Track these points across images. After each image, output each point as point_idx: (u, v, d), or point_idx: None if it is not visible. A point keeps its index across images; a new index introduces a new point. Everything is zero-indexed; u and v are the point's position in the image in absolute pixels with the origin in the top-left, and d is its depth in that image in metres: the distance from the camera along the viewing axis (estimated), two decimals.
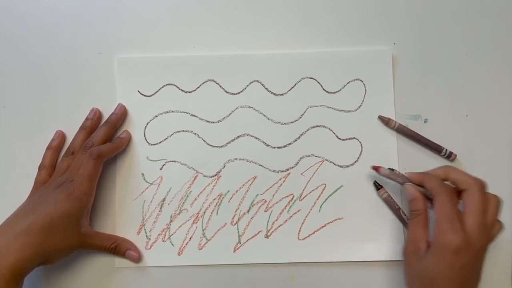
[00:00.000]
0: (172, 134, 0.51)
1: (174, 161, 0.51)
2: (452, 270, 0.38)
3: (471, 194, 0.41)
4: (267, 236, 0.49)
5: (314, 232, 0.49)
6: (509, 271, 0.49)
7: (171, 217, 0.50)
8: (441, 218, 0.40)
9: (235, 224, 0.50)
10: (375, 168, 0.48)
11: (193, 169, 0.51)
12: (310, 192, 0.50)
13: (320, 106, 0.51)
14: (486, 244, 0.40)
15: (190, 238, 0.50)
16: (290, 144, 0.51)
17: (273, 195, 0.50)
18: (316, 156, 0.50)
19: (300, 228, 0.49)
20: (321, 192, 0.50)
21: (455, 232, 0.39)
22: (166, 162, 0.51)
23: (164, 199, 0.50)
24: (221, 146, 0.51)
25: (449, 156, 0.50)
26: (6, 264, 0.39)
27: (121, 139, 0.50)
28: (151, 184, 0.50)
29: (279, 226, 0.50)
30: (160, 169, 0.51)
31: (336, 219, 0.49)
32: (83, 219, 0.45)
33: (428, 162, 0.50)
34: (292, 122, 0.51)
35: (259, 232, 0.50)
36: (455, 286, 0.39)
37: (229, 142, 0.51)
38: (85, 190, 0.44)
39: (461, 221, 0.39)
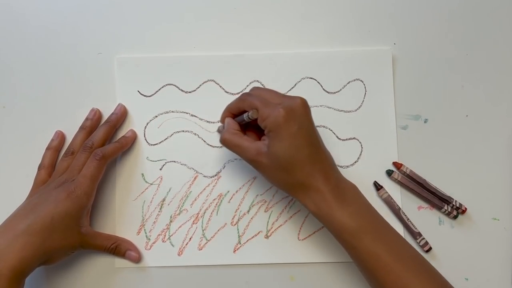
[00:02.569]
0: (172, 134, 0.51)
1: (174, 161, 0.51)
2: (294, 139, 0.40)
3: (255, 98, 0.43)
4: (267, 237, 0.49)
5: (314, 233, 0.49)
6: (509, 271, 0.49)
7: (171, 217, 0.50)
8: (260, 111, 0.42)
9: (235, 224, 0.50)
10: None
11: (193, 169, 0.51)
12: None
13: (320, 106, 0.51)
14: (300, 103, 0.41)
15: (190, 239, 0.49)
16: None
17: (273, 195, 0.50)
18: None
19: (300, 228, 0.49)
20: None
21: (275, 108, 0.41)
22: (166, 163, 0.51)
23: (164, 200, 0.50)
24: (221, 146, 0.51)
25: (458, 208, 0.49)
26: (8, 265, 0.39)
27: (125, 138, 0.50)
28: (151, 184, 0.50)
29: (279, 227, 0.50)
30: (160, 169, 0.51)
31: None
32: (83, 219, 0.45)
33: (429, 162, 0.50)
34: None
35: (259, 232, 0.50)
36: (306, 149, 0.41)
37: None
38: (86, 190, 0.44)
39: (271, 103, 0.42)
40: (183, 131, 0.51)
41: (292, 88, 0.51)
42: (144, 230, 0.50)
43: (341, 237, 0.41)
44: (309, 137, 0.42)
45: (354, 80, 0.52)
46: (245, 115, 0.43)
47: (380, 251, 0.40)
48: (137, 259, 0.48)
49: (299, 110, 0.41)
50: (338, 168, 0.50)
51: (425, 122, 0.51)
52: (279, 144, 0.41)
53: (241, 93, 0.46)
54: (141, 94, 0.52)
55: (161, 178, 0.50)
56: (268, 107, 0.41)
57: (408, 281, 0.39)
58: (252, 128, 0.46)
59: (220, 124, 0.49)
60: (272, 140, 0.41)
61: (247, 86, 0.52)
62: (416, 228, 0.49)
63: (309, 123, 0.42)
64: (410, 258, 0.41)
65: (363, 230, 0.40)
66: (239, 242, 0.49)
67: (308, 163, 0.41)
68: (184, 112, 0.51)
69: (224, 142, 0.44)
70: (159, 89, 0.52)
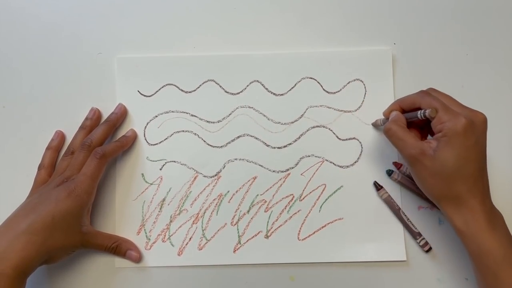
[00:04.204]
0: (172, 134, 0.51)
1: (174, 161, 0.51)
2: (467, 151, 0.40)
3: (435, 99, 0.42)
4: (267, 237, 0.49)
5: (314, 233, 0.49)
6: None
7: (171, 217, 0.50)
8: (440, 112, 0.41)
9: (235, 224, 0.50)
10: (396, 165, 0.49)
11: (193, 169, 0.51)
12: (310, 193, 0.50)
13: (320, 106, 0.51)
14: (482, 120, 0.41)
15: (190, 239, 0.50)
16: (290, 144, 0.51)
17: (273, 195, 0.50)
18: (316, 156, 0.50)
19: (300, 228, 0.49)
20: (321, 193, 0.50)
21: (457, 116, 0.40)
22: (166, 162, 0.51)
23: (164, 199, 0.50)
24: (221, 146, 0.51)
25: None
26: (10, 264, 0.40)
27: (126, 137, 0.50)
28: (151, 184, 0.50)
29: (279, 227, 0.50)
30: (160, 169, 0.51)
31: (336, 220, 0.49)
32: (84, 218, 0.45)
33: None
34: (292, 122, 0.51)
35: (259, 232, 0.50)
36: (474, 165, 0.40)
37: (229, 142, 0.51)
38: (86, 189, 0.44)
39: (453, 109, 0.41)
40: (183, 131, 0.51)
41: (292, 88, 0.51)
42: (144, 230, 0.50)
43: (483, 262, 0.40)
44: (481, 155, 0.41)
45: (354, 80, 0.52)
46: (419, 113, 0.43)
47: None
48: (138, 259, 0.48)
49: (480, 126, 0.41)
50: (338, 168, 0.50)
51: None
52: (451, 152, 0.40)
53: (419, 91, 0.45)
54: (141, 94, 0.52)
55: (161, 178, 0.50)
56: (449, 112, 0.41)
57: None
58: (412, 129, 0.45)
59: (380, 118, 0.49)
60: (444, 146, 0.40)
61: (247, 86, 0.52)
62: (416, 228, 0.49)
63: (484, 141, 0.41)
64: None
65: (508, 259, 0.39)
66: (239, 242, 0.49)
67: (472, 179, 0.40)
68: (184, 112, 0.51)
69: (389, 131, 0.44)
70: (159, 89, 0.52)
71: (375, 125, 0.50)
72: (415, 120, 0.44)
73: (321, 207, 0.50)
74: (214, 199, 0.50)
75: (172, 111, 0.51)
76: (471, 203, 0.40)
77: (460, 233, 0.41)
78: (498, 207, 0.43)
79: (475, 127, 0.40)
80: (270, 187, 0.50)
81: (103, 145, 0.48)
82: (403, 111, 0.46)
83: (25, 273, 0.41)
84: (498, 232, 0.40)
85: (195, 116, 0.51)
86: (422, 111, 0.42)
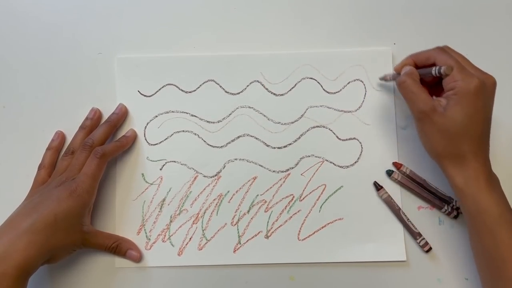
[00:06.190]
0: (172, 134, 0.51)
1: (174, 161, 0.51)
2: (477, 112, 0.41)
3: (451, 57, 0.43)
4: (267, 237, 0.50)
5: (314, 233, 0.49)
6: None
7: (171, 217, 0.50)
8: (454, 71, 0.42)
9: (235, 224, 0.50)
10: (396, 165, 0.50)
11: (193, 169, 0.51)
12: (310, 193, 0.50)
13: (320, 106, 0.51)
14: (492, 82, 0.42)
15: (190, 239, 0.50)
16: (290, 144, 0.51)
17: (273, 196, 0.50)
18: (316, 157, 0.50)
19: (300, 228, 0.49)
20: (321, 193, 0.50)
21: (470, 76, 0.41)
22: (166, 162, 0.51)
23: (164, 199, 0.50)
24: (221, 146, 0.51)
25: (458, 208, 0.49)
26: (13, 263, 0.39)
27: (126, 137, 0.50)
28: (151, 184, 0.50)
29: (279, 227, 0.50)
30: (160, 169, 0.51)
31: (336, 220, 0.49)
32: (85, 217, 0.45)
33: (429, 162, 0.50)
34: (292, 122, 0.51)
35: (259, 232, 0.50)
36: (481, 126, 0.41)
37: (229, 142, 0.51)
38: (87, 188, 0.44)
39: (467, 69, 0.42)
40: (183, 131, 0.51)
41: (292, 88, 0.51)
42: (144, 230, 0.50)
43: (481, 221, 0.41)
44: (488, 117, 0.42)
45: (354, 80, 0.52)
46: (434, 69, 0.43)
47: None
48: (138, 258, 0.48)
49: (490, 88, 0.42)
50: (338, 168, 0.50)
51: None
52: (461, 110, 0.41)
53: (436, 46, 0.45)
54: (141, 94, 0.52)
55: (161, 178, 0.50)
56: (463, 71, 0.41)
57: None
58: (423, 85, 0.45)
59: (390, 72, 0.49)
60: (454, 104, 0.41)
61: (247, 86, 0.51)
62: (416, 228, 0.49)
63: (492, 105, 0.43)
64: None
65: (505, 218, 0.40)
66: (239, 242, 0.49)
67: (477, 140, 0.41)
68: (184, 112, 0.51)
69: (403, 84, 0.44)
70: (159, 89, 0.52)
71: (384, 79, 0.50)
72: (426, 78, 0.44)
73: (321, 207, 0.50)
74: (214, 199, 0.50)
75: (172, 111, 0.51)
76: (474, 163, 0.41)
77: (459, 191, 0.42)
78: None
79: (486, 89, 0.41)
80: (270, 187, 0.50)
81: (103, 145, 0.48)
82: (417, 67, 0.46)
83: (27, 272, 0.41)
84: (495, 193, 0.41)
85: (195, 116, 0.51)
86: (437, 67, 0.43)
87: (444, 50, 0.44)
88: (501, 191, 0.42)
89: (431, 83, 0.45)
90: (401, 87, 0.44)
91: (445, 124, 0.41)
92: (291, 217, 0.50)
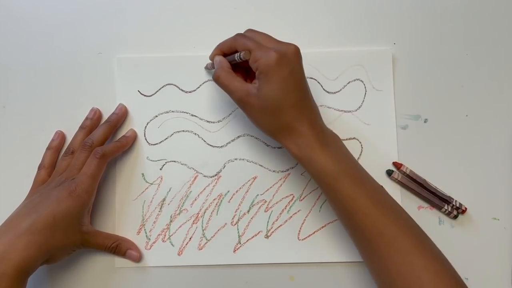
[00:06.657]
0: (172, 134, 0.51)
1: (174, 161, 0.51)
2: (285, 83, 0.41)
3: (249, 39, 0.44)
4: (267, 236, 0.50)
5: (314, 233, 0.49)
6: (509, 271, 0.49)
7: (171, 217, 0.50)
8: (253, 52, 0.42)
9: (235, 224, 0.50)
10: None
11: (193, 169, 0.51)
12: (310, 193, 0.50)
13: (320, 106, 0.51)
14: (293, 50, 0.42)
15: (190, 238, 0.50)
16: None
17: (273, 195, 0.50)
18: None
19: (300, 228, 0.49)
20: (321, 193, 0.50)
21: (268, 51, 0.41)
22: (166, 162, 0.51)
23: (164, 199, 0.50)
24: (221, 146, 0.51)
25: (458, 208, 0.49)
26: (12, 264, 0.39)
27: (126, 137, 0.50)
28: (151, 184, 0.50)
29: (279, 226, 0.50)
30: (160, 169, 0.51)
31: (336, 220, 0.49)
32: (85, 217, 0.45)
33: (429, 162, 0.50)
34: None
35: (259, 232, 0.50)
36: (295, 94, 0.42)
37: (229, 142, 0.51)
38: (87, 188, 0.44)
39: (265, 46, 0.42)
40: (183, 131, 0.51)
41: None
42: (144, 230, 0.50)
43: (322, 180, 0.42)
44: (299, 83, 0.42)
45: (354, 80, 0.52)
46: (236, 55, 0.44)
47: (359, 194, 0.41)
48: (138, 258, 0.48)
49: (291, 56, 0.42)
50: None
51: (425, 122, 0.51)
52: (269, 87, 0.41)
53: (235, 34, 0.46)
54: (141, 94, 0.52)
55: (161, 178, 0.50)
56: (261, 49, 0.42)
57: (384, 225, 0.40)
58: (240, 70, 0.47)
59: (208, 62, 0.50)
60: (263, 83, 0.42)
61: None
62: None
63: (300, 70, 0.43)
64: (387, 205, 0.42)
65: (343, 173, 0.41)
66: (239, 242, 0.49)
67: (295, 107, 0.42)
68: (184, 112, 0.51)
69: (218, 79, 0.45)
70: (159, 89, 0.52)
71: (207, 68, 0.51)
72: (239, 62, 0.45)
73: (321, 207, 0.50)
74: (214, 199, 0.50)
75: (172, 111, 0.51)
76: (300, 129, 0.42)
77: (297, 158, 0.43)
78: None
79: (288, 58, 0.41)
80: (270, 187, 0.50)
81: (103, 145, 0.48)
82: (225, 55, 0.47)
83: (27, 273, 0.41)
84: (330, 150, 0.42)
85: (195, 116, 0.51)
86: (238, 53, 0.43)
87: (243, 35, 0.45)
88: (338, 147, 0.43)
89: (248, 67, 0.45)
90: (216, 83, 0.45)
91: (262, 104, 0.42)
92: (291, 217, 0.50)
